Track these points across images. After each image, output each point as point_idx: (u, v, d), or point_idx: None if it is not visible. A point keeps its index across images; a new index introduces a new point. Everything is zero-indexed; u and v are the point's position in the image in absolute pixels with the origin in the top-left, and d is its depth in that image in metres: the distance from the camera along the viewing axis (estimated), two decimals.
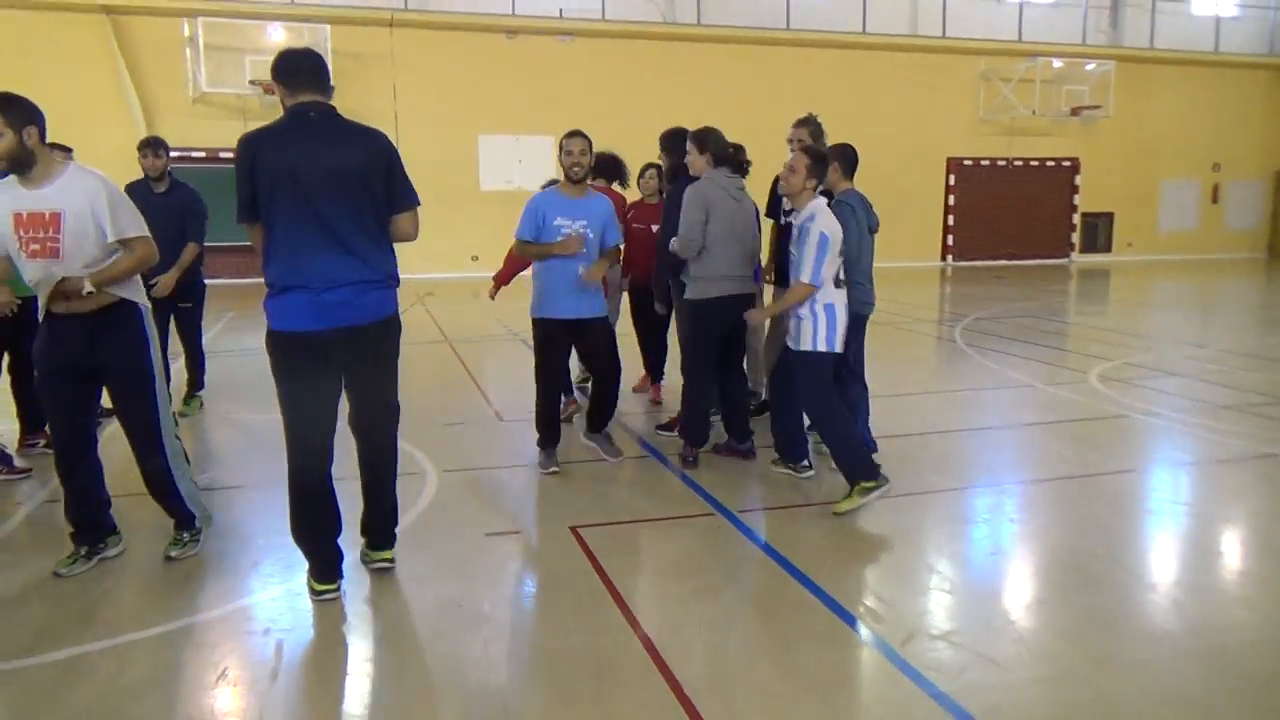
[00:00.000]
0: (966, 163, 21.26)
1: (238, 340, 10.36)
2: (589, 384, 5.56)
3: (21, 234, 3.49)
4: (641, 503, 4.69)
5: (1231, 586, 3.77)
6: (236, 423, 6.45)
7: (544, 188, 6.72)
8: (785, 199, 5.80)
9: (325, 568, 3.52)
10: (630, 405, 6.76)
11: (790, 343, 4.62)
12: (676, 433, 5.78)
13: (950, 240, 21.46)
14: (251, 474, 5.22)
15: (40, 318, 3.67)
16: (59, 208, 3.48)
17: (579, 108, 16.64)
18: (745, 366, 5.78)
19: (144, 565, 3.86)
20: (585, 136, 4.86)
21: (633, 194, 6.95)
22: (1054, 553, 4.10)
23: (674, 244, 5.14)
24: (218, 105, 16.40)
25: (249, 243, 3.44)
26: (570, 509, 4.56)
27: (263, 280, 3.36)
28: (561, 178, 5.03)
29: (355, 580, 3.69)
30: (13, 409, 5.47)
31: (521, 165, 17.60)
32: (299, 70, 3.33)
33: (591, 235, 4.87)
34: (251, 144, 3.28)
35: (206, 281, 6.66)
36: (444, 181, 15.89)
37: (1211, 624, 3.35)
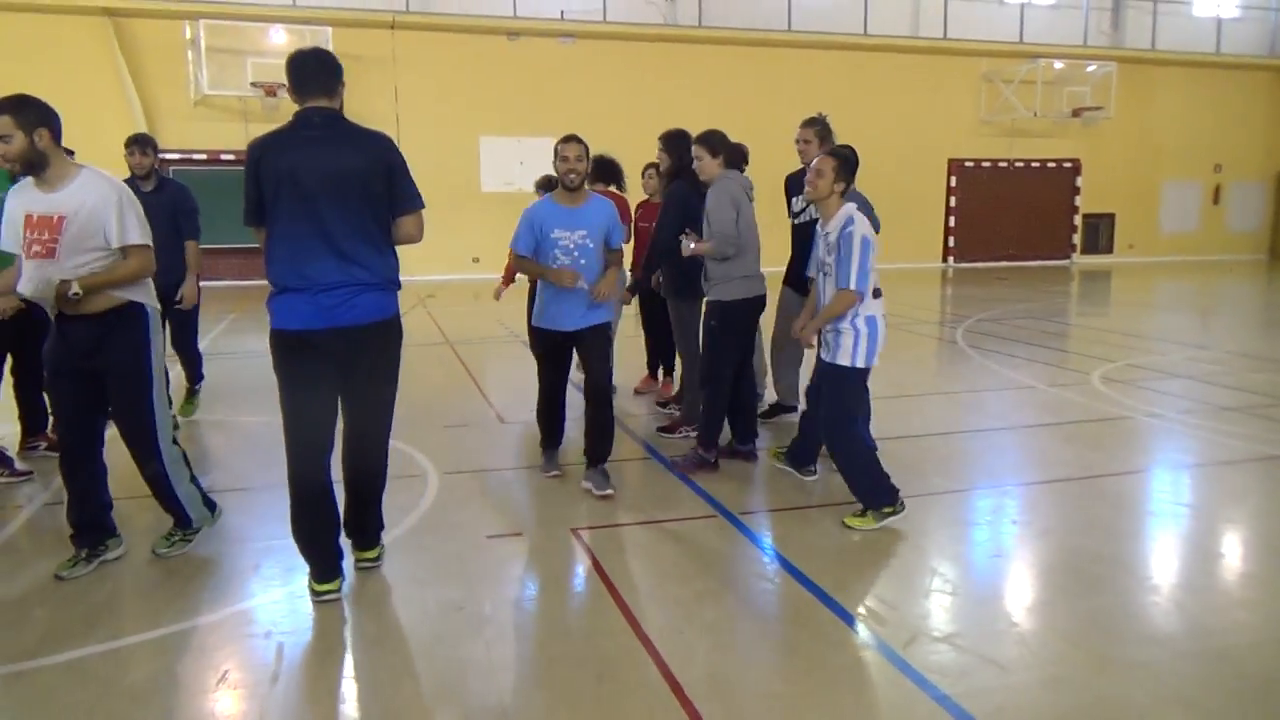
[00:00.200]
0: (968, 164, 21.26)
1: (239, 342, 10.37)
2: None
3: (29, 234, 3.52)
4: (643, 505, 4.67)
5: (1234, 588, 3.77)
6: (237, 426, 6.45)
7: (537, 186, 6.64)
8: (794, 200, 5.81)
9: (325, 567, 3.53)
10: (631, 406, 6.76)
11: (824, 354, 4.40)
12: (680, 436, 5.79)
13: (951, 242, 21.46)
14: (252, 477, 5.21)
15: (51, 318, 3.69)
16: (66, 212, 3.50)
17: (580, 109, 16.69)
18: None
19: (145, 568, 3.86)
20: (581, 141, 4.62)
21: (633, 195, 6.96)
22: (1056, 554, 4.09)
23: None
24: (219, 107, 16.37)
25: (254, 244, 3.51)
26: (571, 511, 4.56)
27: (263, 282, 3.41)
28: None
29: (356, 583, 3.69)
30: (15, 412, 5.47)
31: (523, 167, 17.58)
32: (308, 78, 3.39)
33: (592, 245, 4.66)
34: (258, 149, 3.38)
35: (205, 283, 6.65)
36: (445, 183, 15.88)
37: (1214, 626, 3.34)
